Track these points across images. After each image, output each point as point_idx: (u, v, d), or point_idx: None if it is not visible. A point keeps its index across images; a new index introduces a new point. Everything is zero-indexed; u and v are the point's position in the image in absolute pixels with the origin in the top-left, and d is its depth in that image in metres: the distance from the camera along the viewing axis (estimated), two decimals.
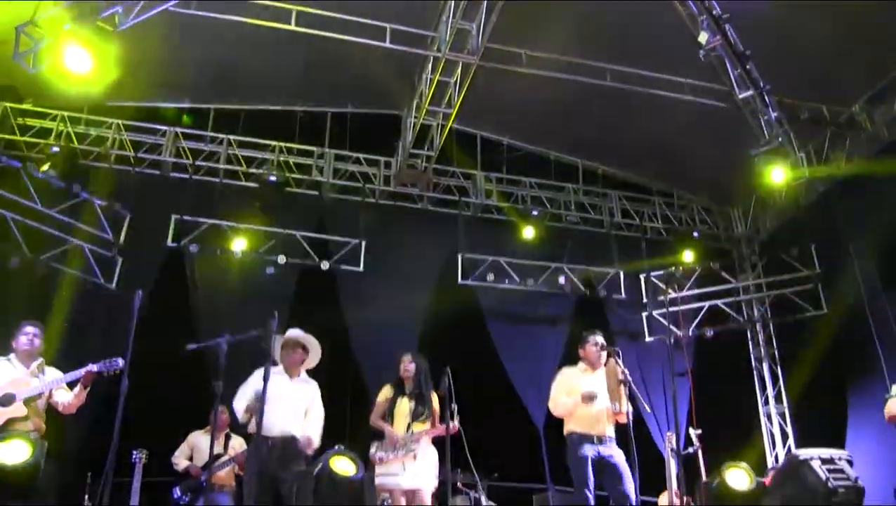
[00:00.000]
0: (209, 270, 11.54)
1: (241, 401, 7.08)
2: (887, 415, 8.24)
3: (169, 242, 11.44)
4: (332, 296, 12.06)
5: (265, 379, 5.89)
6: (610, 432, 7.37)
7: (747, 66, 10.11)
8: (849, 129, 11.68)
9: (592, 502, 7.15)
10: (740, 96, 10.39)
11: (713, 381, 12.99)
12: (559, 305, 13.02)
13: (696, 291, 13.51)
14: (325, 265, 11.72)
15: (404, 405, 7.77)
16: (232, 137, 12.43)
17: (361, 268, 11.96)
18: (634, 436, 8.29)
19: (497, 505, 9.83)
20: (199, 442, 9.19)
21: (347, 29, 10.19)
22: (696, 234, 13.62)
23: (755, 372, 13.79)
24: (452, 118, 11.31)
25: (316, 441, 7.27)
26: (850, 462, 6.50)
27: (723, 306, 13.39)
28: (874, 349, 10.98)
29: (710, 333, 12.96)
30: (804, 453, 6.44)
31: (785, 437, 13.11)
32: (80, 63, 8.53)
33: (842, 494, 6.16)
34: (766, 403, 13.49)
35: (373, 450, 7.60)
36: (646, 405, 7.44)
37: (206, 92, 12.42)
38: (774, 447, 13.10)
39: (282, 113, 12.87)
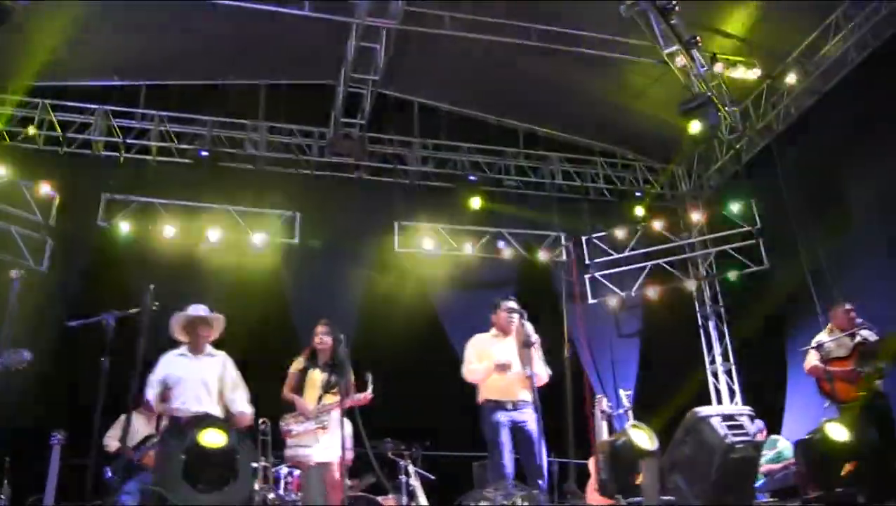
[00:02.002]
0: (142, 249, 11.39)
1: (152, 390, 6.96)
2: (806, 368, 8.25)
3: (99, 221, 11.30)
4: (271, 269, 11.93)
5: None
6: (524, 396, 7.25)
7: (671, 21, 9.99)
8: (784, 82, 11.57)
9: (508, 469, 7.07)
10: (665, 51, 10.28)
11: (661, 340, 13.04)
12: (502, 270, 12.92)
13: (641, 250, 13.43)
14: (257, 238, 11.61)
15: (316, 376, 7.61)
16: (163, 114, 12.27)
17: (296, 240, 11.87)
18: (577, 397, 8.34)
19: (436, 475, 9.82)
20: (132, 423, 9.08)
21: None
22: (638, 193, 13.54)
23: (701, 330, 13.74)
24: (374, 85, 11.21)
25: (248, 414, 7.17)
26: (751, 418, 6.43)
27: (664, 265, 13.32)
28: (811, 303, 10.96)
29: (651, 292, 12.93)
30: (704, 410, 6.36)
31: (732, 394, 13.10)
32: None
33: (739, 449, 6.08)
34: (713, 361, 13.46)
35: (283, 423, 7.49)
36: (539, 372, 7.25)
37: (136, 69, 12.19)
38: (721, 405, 13.08)
39: (214, 87, 12.69)
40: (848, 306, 8.35)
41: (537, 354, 7.25)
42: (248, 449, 5.86)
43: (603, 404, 9.32)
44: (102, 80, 12.23)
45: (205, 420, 6.56)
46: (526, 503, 5.45)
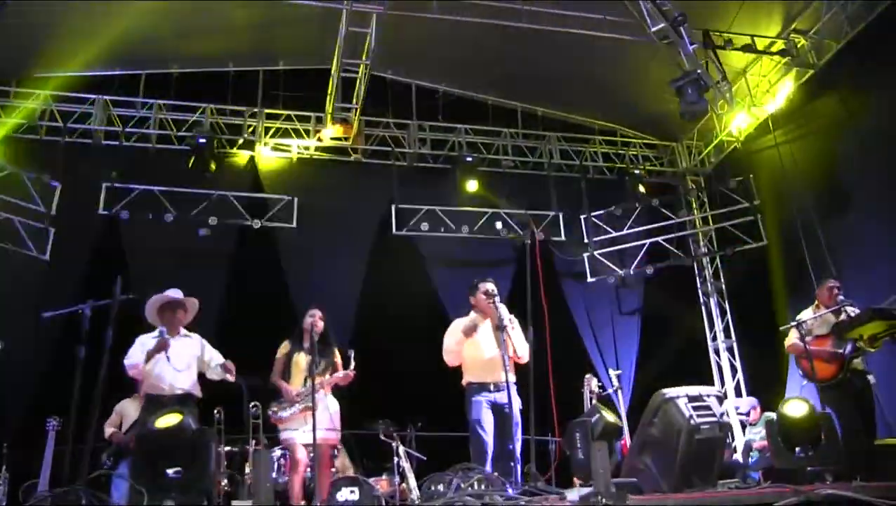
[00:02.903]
0: (143, 236, 11.55)
1: (136, 365, 7.15)
2: (786, 345, 8.24)
3: (100, 210, 11.45)
4: (270, 254, 12.05)
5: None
6: (506, 378, 7.31)
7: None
8: (779, 56, 11.50)
9: (489, 450, 7.14)
10: (652, 29, 10.21)
11: (662, 317, 13.03)
12: (501, 250, 12.92)
13: (640, 228, 13.44)
14: (256, 224, 11.74)
15: (301, 359, 7.79)
16: (162, 102, 12.38)
17: (294, 224, 11.98)
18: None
19: (436, 454, 9.93)
20: (127, 410, 9.30)
21: None
22: (637, 171, 13.47)
23: (703, 307, 13.73)
24: (364, 69, 11.25)
25: (231, 366, 7.48)
26: (719, 399, 6.47)
27: (663, 243, 13.30)
28: (810, 279, 10.92)
29: (649, 270, 12.90)
30: (671, 391, 6.39)
31: (734, 370, 13.10)
32: None
33: (705, 430, 6.12)
34: (715, 338, 13.47)
35: (270, 411, 7.67)
36: (519, 351, 7.29)
37: (136, 58, 12.31)
38: (724, 383, 13.09)
39: (213, 74, 12.79)
40: (832, 283, 8.30)
41: (515, 333, 7.27)
42: (208, 432, 5.99)
43: (592, 383, 9.38)
44: (103, 71, 12.34)
45: (179, 402, 6.75)
46: (483, 486, 5.53)
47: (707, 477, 6.15)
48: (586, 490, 4.99)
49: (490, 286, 7.63)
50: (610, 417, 7.02)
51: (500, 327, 7.14)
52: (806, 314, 8.24)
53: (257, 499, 4.30)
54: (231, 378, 7.49)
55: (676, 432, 6.21)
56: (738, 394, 12.75)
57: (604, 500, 4.66)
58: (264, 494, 4.32)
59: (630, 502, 4.75)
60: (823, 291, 8.32)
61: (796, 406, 6.52)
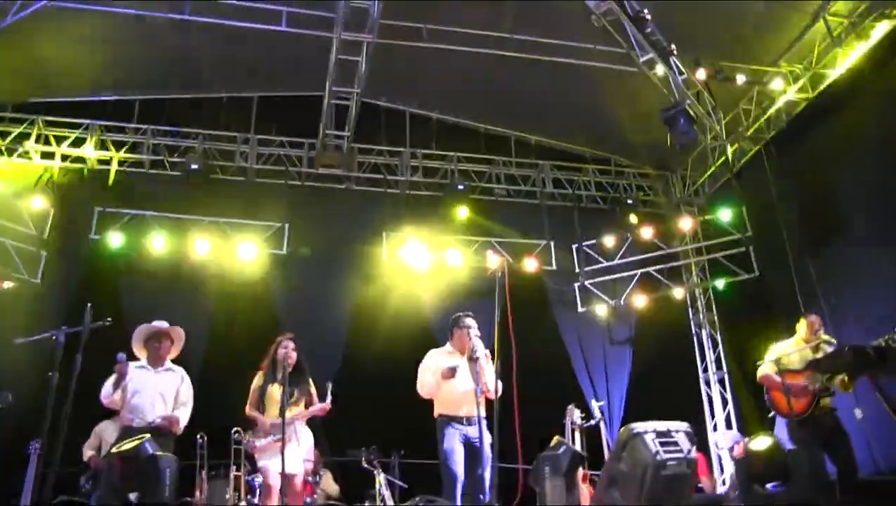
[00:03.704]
0: (133, 261, 11.59)
1: (108, 391, 7.16)
2: (758, 375, 8.17)
3: (92, 234, 11.52)
4: (260, 280, 12.02)
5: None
6: (478, 412, 7.29)
7: (646, 30, 9.95)
8: (771, 88, 11.49)
9: (460, 483, 7.12)
10: (641, 60, 10.23)
11: (653, 348, 12.96)
12: (492, 278, 12.85)
13: (632, 258, 13.39)
14: (248, 250, 11.72)
15: (275, 391, 7.72)
16: (155, 127, 12.45)
17: (285, 251, 12.00)
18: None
19: (423, 483, 9.89)
20: (107, 431, 9.28)
21: (242, 14, 10.19)
22: (630, 201, 13.45)
23: (694, 338, 13.65)
24: (358, 97, 11.27)
25: (182, 421, 7.40)
26: (687, 434, 6.41)
27: (655, 274, 13.25)
28: (799, 310, 10.85)
29: (641, 300, 12.85)
30: (639, 425, 6.34)
31: (724, 402, 13.00)
32: None
33: (671, 466, 6.07)
34: (706, 369, 13.38)
35: (245, 439, 7.64)
36: (490, 385, 7.26)
37: (131, 84, 12.40)
38: (714, 415, 12.99)
39: (207, 100, 12.88)
40: (812, 318, 8.20)
41: (489, 367, 7.26)
42: (163, 458, 5.99)
43: (574, 414, 9.33)
44: (96, 96, 12.45)
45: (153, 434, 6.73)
46: None
47: None
48: None
49: (472, 322, 7.66)
50: (577, 449, 6.98)
51: (472, 359, 7.15)
52: (781, 346, 8.15)
53: None
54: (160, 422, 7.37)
55: (643, 468, 6.16)
56: (729, 426, 12.64)
57: None
58: None
59: None
60: (804, 326, 8.24)
61: (760, 441, 6.47)
